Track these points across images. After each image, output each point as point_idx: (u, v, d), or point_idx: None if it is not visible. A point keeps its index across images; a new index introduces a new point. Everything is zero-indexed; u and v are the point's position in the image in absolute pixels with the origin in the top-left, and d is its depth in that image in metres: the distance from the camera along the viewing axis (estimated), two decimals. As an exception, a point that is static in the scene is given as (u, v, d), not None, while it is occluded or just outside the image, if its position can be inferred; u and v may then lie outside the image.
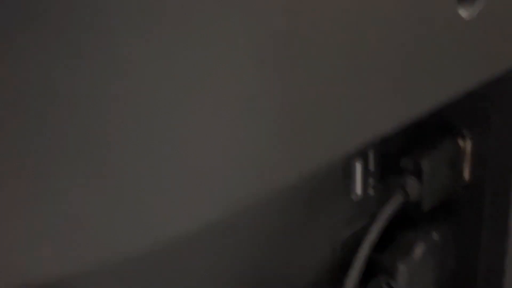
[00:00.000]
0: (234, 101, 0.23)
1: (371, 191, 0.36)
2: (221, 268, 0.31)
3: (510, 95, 0.35)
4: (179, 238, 0.23)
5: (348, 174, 0.35)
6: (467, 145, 0.37)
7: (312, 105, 0.25)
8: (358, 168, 0.35)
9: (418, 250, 0.36)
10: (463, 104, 0.36)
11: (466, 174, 0.37)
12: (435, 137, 0.36)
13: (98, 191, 0.22)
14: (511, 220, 0.36)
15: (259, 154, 0.24)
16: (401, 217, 0.37)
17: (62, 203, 0.21)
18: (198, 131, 0.22)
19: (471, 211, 0.37)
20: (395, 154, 0.36)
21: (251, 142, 0.24)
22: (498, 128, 0.35)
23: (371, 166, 0.36)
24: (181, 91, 0.22)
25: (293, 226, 0.34)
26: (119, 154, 0.21)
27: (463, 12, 0.29)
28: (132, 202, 0.22)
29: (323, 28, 0.24)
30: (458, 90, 0.30)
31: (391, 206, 0.34)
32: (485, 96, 0.35)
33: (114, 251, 0.22)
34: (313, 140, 0.25)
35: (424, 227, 0.37)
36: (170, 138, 0.22)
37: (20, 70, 0.20)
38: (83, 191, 0.21)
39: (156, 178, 0.22)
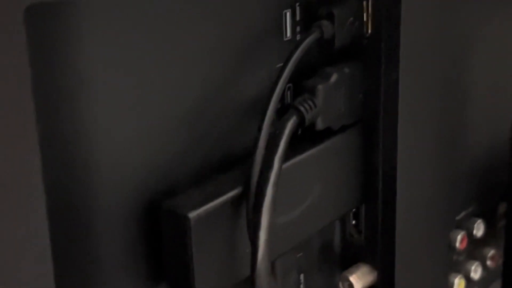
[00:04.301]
0: None
1: (298, 37, 0.49)
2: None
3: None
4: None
5: (280, 23, 0.48)
6: (369, 5, 0.50)
7: None
8: (288, 16, 0.48)
9: (333, 78, 0.49)
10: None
11: (368, 28, 0.50)
12: (345, -2, 0.50)
13: None
14: (401, 61, 0.50)
15: None
16: (321, 60, 0.50)
17: None
18: None
19: (372, 56, 0.50)
20: (316, 8, 0.49)
21: None
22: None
23: (298, 16, 0.49)
24: None
25: (240, 55, 0.46)
26: None
27: None
28: None
29: None
30: None
31: (310, 38, 0.47)
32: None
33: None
34: None
35: (338, 64, 0.50)
36: None
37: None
38: None
39: None
